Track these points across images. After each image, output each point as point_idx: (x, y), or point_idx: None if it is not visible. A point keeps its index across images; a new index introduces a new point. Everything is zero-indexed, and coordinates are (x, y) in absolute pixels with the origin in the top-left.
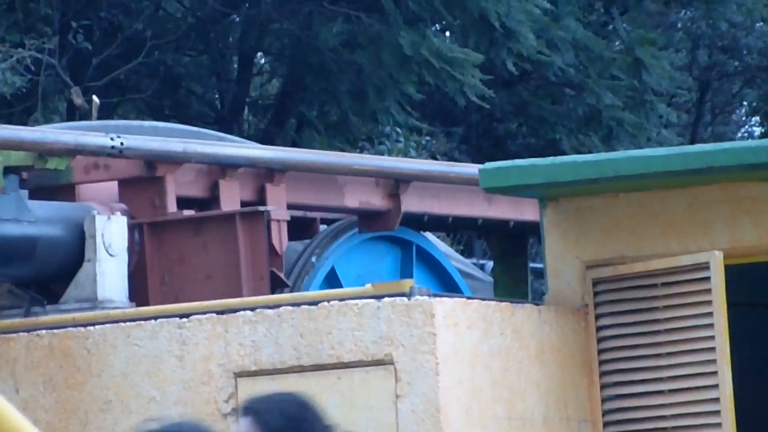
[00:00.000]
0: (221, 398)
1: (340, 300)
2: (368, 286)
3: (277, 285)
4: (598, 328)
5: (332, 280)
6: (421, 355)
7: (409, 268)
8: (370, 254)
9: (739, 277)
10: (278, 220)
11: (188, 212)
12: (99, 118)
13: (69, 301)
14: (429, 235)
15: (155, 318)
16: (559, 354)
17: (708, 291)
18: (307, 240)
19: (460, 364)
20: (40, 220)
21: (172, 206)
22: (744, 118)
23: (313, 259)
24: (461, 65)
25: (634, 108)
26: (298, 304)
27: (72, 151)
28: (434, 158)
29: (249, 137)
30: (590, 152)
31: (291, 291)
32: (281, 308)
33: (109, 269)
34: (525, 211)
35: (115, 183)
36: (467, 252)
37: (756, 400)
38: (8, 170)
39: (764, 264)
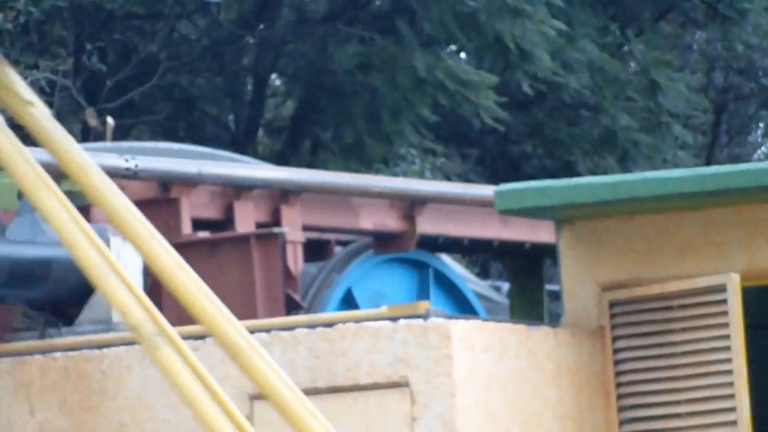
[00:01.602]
0: None
1: (356, 322)
2: (384, 308)
3: (292, 307)
4: (615, 351)
5: (349, 302)
6: (437, 377)
7: (426, 290)
8: (386, 276)
9: (756, 299)
10: (293, 242)
11: (203, 234)
12: (113, 139)
13: (84, 323)
14: (444, 256)
15: None
16: (576, 376)
17: (725, 313)
18: (323, 262)
19: (476, 386)
20: (54, 242)
21: (186, 228)
22: (760, 140)
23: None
24: (476, 87)
25: (649, 130)
26: (313, 326)
27: None
28: (449, 180)
29: (264, 159)
30: (606, 174)
31: (306, 313)
32: (296, 330)
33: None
34: (541, 232)
35: None
36: (483, 274)
37: None
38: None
39: None
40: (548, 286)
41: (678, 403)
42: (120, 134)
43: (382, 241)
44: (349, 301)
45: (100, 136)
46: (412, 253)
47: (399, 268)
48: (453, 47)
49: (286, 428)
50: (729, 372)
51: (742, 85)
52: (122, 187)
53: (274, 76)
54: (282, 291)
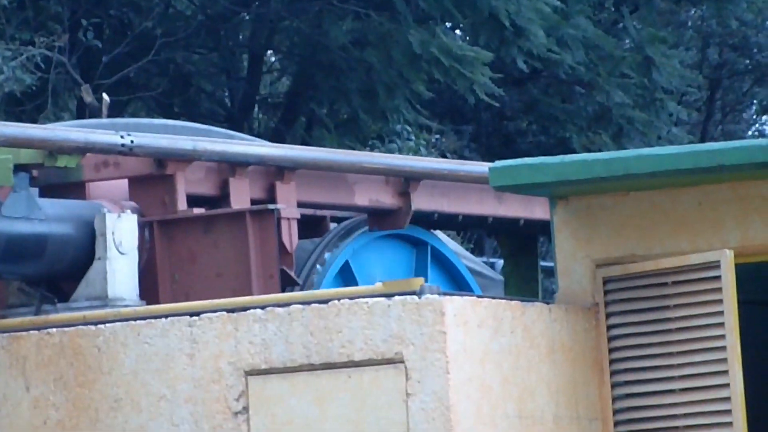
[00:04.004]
0: (231, 396)
1: (351, 298)
2: (378, 284)
3: (287, 283)
4: (609, 327)
5: (344, 278)
6: (432, 353)
7: (423, 266)
8: (381, 252)
9: (750, 275)
10: (288, 218)
11: (198, 210)
12: (109, 115)
13: (79, 299)
14: (439, 233)
15: (166, 316)
16: (570, 353)
17: (719, 290)
18: (318, 238)
19: (471, 362)
20: (50, 218)
21: (182, 204)
22: (754, 117)
23: (326, 255)
24: (471, 63)
25: (644, 106)
26: (308, 303)
27: (82, 149)
28: (444, 156)
29: (259, 135)
30: (600, 150)
31: (301, 289)
32: (291, 306)
33: (120, 267)
34: (535, 209)
35: (125, 181)
36: (477, 250)
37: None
38: (18, 168)
39: None
40: (543, 263)
41: (672, 379)
42: (115, 110)
43: (377, 218)
44: (344, 278)
45: (95, 112)
46: (407, 230)
47: (394, 245)
48: (448, 24)
49: (280, 403)
50: (723, 348)
51: (736, 62)
52: (118, 164)
53: (269, 52)
54: (277, 267)
